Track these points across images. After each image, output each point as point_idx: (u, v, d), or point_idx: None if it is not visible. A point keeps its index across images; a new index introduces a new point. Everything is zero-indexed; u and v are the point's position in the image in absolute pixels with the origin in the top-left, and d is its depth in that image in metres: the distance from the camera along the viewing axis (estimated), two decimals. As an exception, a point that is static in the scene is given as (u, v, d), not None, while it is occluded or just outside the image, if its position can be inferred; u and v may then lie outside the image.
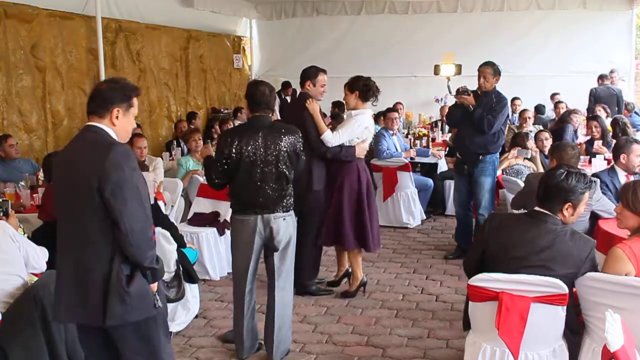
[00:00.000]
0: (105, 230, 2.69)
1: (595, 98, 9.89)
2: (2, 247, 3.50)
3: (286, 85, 12.24)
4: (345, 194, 5.11)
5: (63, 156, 2.93)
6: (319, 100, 5.22)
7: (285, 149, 3.95)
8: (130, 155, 2.75)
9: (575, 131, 8.34)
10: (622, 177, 4.97)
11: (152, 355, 2.88)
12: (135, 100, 2.87)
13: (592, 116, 8.20)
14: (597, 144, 7.10)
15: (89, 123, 2.81)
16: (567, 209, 3.10)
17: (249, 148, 3.90)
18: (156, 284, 2.84)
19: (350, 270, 5.38)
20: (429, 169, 8.32)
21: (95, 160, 2.67)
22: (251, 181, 3.93)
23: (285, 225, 4.04)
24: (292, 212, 4.12)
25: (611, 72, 10.68)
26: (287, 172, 3.99)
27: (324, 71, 5.23)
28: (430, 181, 7.96)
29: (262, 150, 3.91)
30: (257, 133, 3.93)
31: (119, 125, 2.80)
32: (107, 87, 2.84)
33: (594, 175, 4.98)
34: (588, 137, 7.83)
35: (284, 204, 4.03)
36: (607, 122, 8.13)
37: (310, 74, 5.18)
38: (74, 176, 2.74)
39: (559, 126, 8.51)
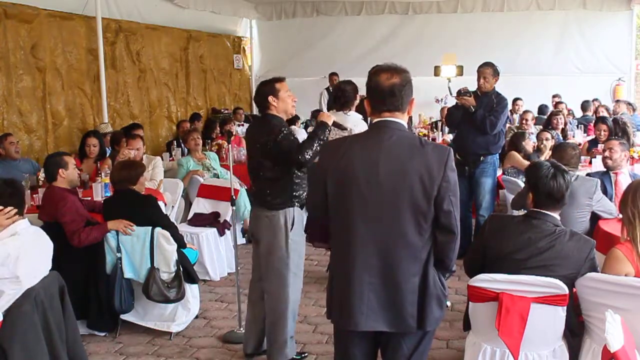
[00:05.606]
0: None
1: None
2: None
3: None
4: None
5: (363, 156, 2.53)
6: None
7: None
8: None
9: (563, 129, 8.24)
10: (612, 175, 5.11)
11: None
12: None
13: (600, 117, 7.91)
14: (599, 147, 7.02)
15: (390, 119, 2.53)
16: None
17: None
18: None
19: None
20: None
21: (431, 161, 2.46)
22: None
23: None
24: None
25: None
26: None
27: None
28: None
29: None
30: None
31: (411, 113, 2.66)
32: (401, 81, 2.52)
33: (588, 175, 5.04)
34: (591, 137, 7.74)
35: None
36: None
37: None
38: (400, 181, 2.47)
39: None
